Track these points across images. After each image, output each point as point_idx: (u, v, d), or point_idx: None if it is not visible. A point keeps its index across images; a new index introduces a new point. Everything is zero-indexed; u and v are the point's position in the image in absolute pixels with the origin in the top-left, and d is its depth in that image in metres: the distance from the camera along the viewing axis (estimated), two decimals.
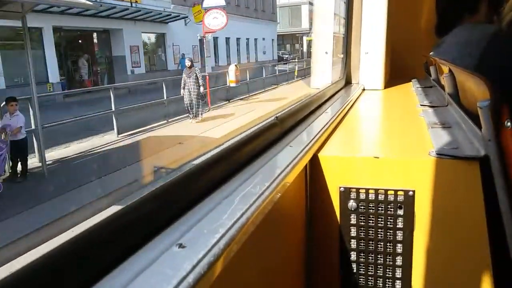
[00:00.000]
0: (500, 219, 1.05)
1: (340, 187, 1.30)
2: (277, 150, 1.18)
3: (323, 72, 2.95)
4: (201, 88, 12.25)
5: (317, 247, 1.37)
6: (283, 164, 1.04)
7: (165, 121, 12.31)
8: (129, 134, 10.59)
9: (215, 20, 16.64)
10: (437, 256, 1.25)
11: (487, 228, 1.15)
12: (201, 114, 12.34)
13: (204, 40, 16.62)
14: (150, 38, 26.40)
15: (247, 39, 39.59)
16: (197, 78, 12.12)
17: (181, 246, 0.62)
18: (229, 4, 33.95)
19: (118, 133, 10.38)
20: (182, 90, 12.22)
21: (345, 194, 1.30)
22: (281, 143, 1.25)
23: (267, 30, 43.34)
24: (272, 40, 45.81)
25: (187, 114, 12.31)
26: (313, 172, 1.32)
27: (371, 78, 3.01)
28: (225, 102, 15.97)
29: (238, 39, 37.55)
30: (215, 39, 32.37)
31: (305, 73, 27.92)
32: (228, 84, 16.63)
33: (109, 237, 0.60)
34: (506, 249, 1.04)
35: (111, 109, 10.52)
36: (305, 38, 54.55)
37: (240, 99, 17.01)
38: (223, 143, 0.99)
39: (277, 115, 1.34)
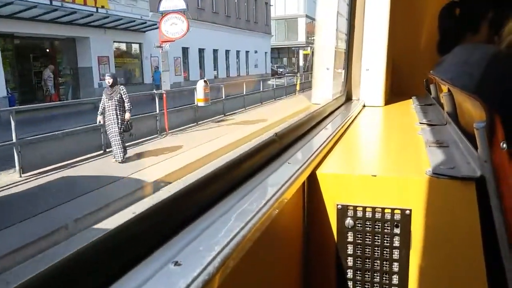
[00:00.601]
0: (496, 239, 1.05)
1: (337, 205, 1.30)
2: (275, 167, 1.18)
3: (324, 88, 2.96)
4: (127, 115, 8.92)
5: (313, 264, 1.37)
6: (281, 181, 1.05)
7: (102, 151, 9.56)
8: (39, 173, 7.80)
9: (174, 27, 13.58)
10: (433, 274, 1.25)
11: (483, 248, 1.16)
12: (123, 152, 8.92)
13: (161, 52, 13.19)
14: (124, 48, 23.79)
15: (238, 51, 37.09)
16: (122, 100, 8.85)
17: (176, 263, 0.63)
18: (218, 14, 32.91)
19: (22, 172, 7.79)
20: (99, 117, 8.91)
21: (342, 211, 1.30)
22: (279, 160, 1.26)
23: (259, 42, 40.83)
24: (265, 53, 43.41)
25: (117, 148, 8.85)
26: (311, 189, 1.33)
27: (371, 94, 3.03)
28: (185, 127, 13.30)
29: (227, 51, 35.01)
30: (201, 50, 30.50)
31: (298, 88, 26.11)
32: (195, 103, 13.92)
33: (104, 254, 0.61)
34: (501, 269, 1.04)
35: (29, 136, 8.01)
36: (301, 52, 53.26)
37: (213, 121, 14.58)
38: (221, 159, 1.00)
39: (276, 131, 1.35)
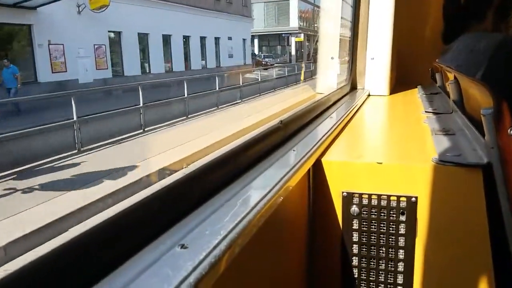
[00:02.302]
0: (503, 226, 1.05)
1: (343, 192, 1.30)
2: (280, 154, 1.18)
3: (329, 77, 2.96)
4: None
5: (318, 252, 1.37)
6: (286, 168, 1.05)
7: None
8: None
9: None
10: (439, 262, 1.25)
11: (489, 235, 1.15)
12: None
13: None
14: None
15: (203, 37, 28.51)
16: None
17: (183, 246, 0.63)
18: None
19: None
20: None
21: (347, 199, 1.30)
22: (284, 147, 1.26)
23: (235, 27, 32.28)
24: (244, 40, 34.55)
25: None
26: (316, 176, 1.33)
27: (376, 84, 3.02)
28: None
29: (186, 37, 26.63)
30: (144, 36, 22.83)
31: (273, 85, 20.40)
32: None
33: (111, 236, 0.61)
34: (508, 256, 1.04)
35: None
36: (293, 39, 45.42)
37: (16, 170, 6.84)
38: (227, 146, 1.00)
39: (282, 119, 1.35)
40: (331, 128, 1.56)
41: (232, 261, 0.67)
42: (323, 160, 1.33)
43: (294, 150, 1.23)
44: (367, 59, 3.03)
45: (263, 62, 36.43)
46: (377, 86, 3.01)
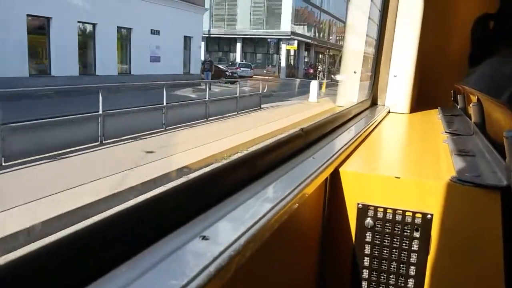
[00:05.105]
0: None
1: (358, 204, 1.31)
2: (300, 160, 1.20)
3: (350, 91, 2.97)
4: None
5: (330, 261, 1.38)
6: (304, 175, 1.06)
7: None
8: None
9: None
10: (450, 282, 1.25)
11: (504, 259, 1.15)
12: None
13: None
14: None
15: (92, 25, 18.84)
16: None
17: (204, 238, 0.66)
18: None
19: None
20: None
21: (362, 211, 1.31)
22: (304, 154, 1.28)
23: (168, 16, 22.36)
24: (188, 38, 24.74)
25: None
26: (333, 186, 1.34)
27: (397, 101, 3.01)
28: None
29: (44, 20, 16.86)
30: None
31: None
32: None
33: (136, 222, 0.63)
34: None
35: None
36: (284, 47, 36.60)
37: None
38: (251, 148, 1.02)
39: (303, 127, 1.37)
40: (351, 140, 1.57)
41: (248, 258, 0.69)
42: (341, 170, 1.34)
43: (313, 158, 1.24)
44: (390, 76, 3.03)
45: (226, 73, 26.48)
46: (398, 104, 3.01)
